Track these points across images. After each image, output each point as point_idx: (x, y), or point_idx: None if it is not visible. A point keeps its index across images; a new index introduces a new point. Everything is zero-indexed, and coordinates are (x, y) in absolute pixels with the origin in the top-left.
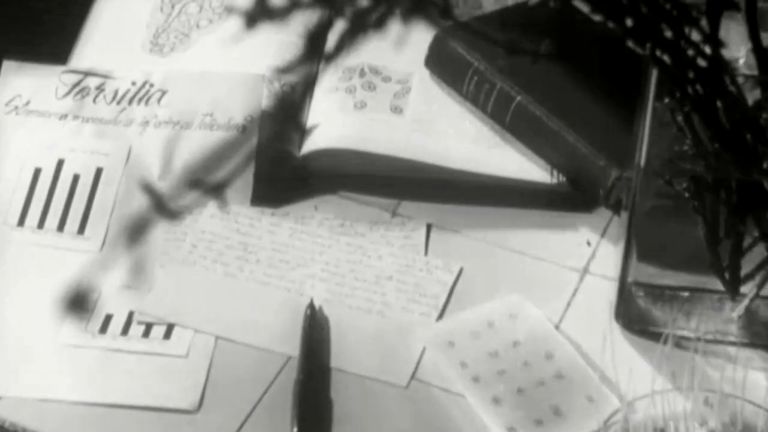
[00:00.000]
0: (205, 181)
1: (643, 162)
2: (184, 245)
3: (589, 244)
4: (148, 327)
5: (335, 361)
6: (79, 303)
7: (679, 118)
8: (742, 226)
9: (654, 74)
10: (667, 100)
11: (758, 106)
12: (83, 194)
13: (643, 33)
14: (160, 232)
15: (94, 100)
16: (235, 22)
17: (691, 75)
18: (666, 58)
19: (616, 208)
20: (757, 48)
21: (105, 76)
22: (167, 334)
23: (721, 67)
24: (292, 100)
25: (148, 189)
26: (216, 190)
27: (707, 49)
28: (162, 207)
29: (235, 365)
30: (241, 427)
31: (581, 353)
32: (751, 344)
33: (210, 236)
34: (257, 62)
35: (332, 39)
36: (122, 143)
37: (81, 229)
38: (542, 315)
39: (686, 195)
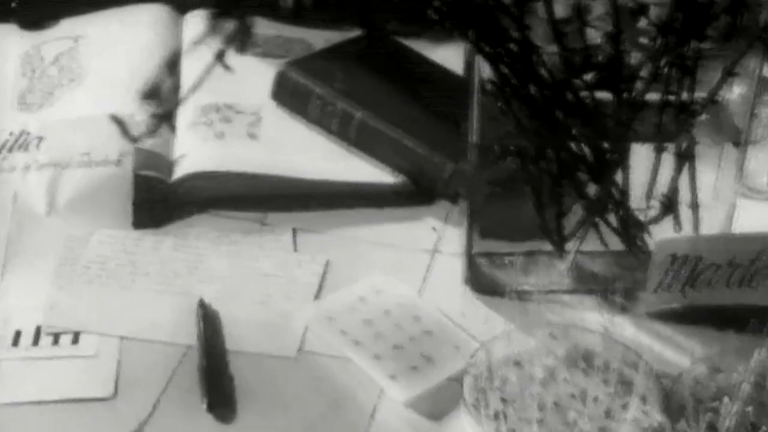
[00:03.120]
0: (157, 112)
1: (475, 151)
2: (77, 268)
3: (435, 229)
4: (56, 336)
5: (230, 345)
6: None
7: (501, 103)
8: (562, 190)
9: (477, 69)
10: (489, 87)
11: (563, 83)
12: None
13: (466, 24)
14: (53, 259)
15: None
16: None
17: (507, 59)
18: (486, 47)
19: (454, 198)
20: (553, 27)
21: None
22: (75, 340)
23: (530, 49)
24: (158, 135)
25: (116, 120)
26: (167, 117)
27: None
28: (126, 132)
29: (143, 357)
30: (155, 407)
31: (443, 314)
32: (581, 291)
33: (101, 258)
34: (121, 108)
35: (186, 82)
36: (7, 188)
37: None
38: (406, 288)
39: (514, 168)
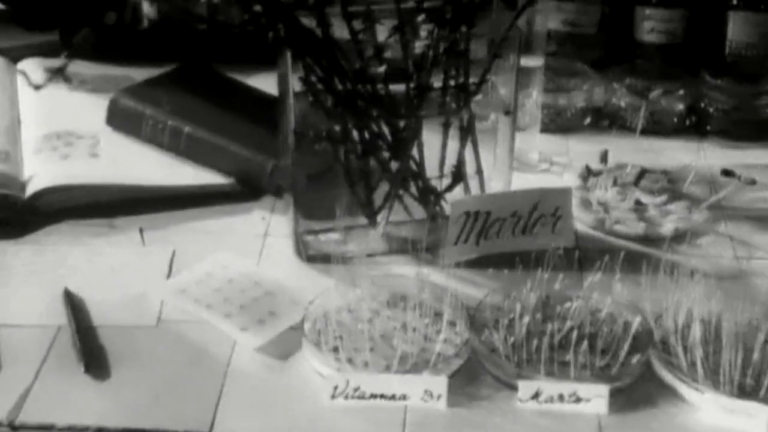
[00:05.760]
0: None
1: (293, 140)
2: None
3: (264, 218)
4: None
5: (98, 322)
6: None
7: (310, 95)
8: (368, 168)
9: (289, 67)
10: (300, 84)
11: (360, 75)
12: None
13: (276, 24)
14: None
15: None
16: None
17: (313, 55)
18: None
19: (278, 192)
20: (348, 26)
21: None
22: None
23: (331, 45)
24: (8, 161)
25: (21, 72)
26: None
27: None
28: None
29: (20, 338)
30: (37, 374)
31: (280, 279)
32: (395, 252)
33: None
34: None
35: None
36: None
37: None
38: (246, 261)
39: (326, 152)
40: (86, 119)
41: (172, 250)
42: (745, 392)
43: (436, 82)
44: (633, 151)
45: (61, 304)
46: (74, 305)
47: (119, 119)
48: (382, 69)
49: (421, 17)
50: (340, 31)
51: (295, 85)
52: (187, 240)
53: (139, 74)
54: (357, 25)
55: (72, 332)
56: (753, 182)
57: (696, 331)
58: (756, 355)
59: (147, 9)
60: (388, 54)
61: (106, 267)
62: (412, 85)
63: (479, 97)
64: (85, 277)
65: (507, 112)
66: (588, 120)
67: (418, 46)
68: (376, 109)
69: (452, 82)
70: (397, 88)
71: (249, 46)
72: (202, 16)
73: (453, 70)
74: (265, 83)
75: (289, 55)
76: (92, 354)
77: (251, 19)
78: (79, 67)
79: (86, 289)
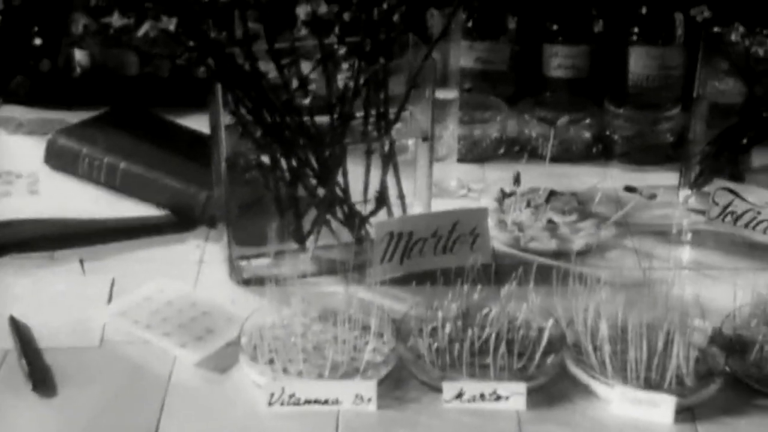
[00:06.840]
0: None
1: (225, 169)
2: None
3: (198, 246)
4: None
5: (43, 345)
6: None
7: (240, 126)
8: (296, 194)
9: (219, 99)
10: (230, 113)
11: (287, 106)
12: None
13: (206, 58)
14: None
15: None
16: None
17: (242, 88)
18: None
19: (211, 223)
20: (274, 61)
21: None
22: None
23: (259, 78)
24: None
25: None
26: None
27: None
28: None
29: None
30: None
31: (215, 299)
32: (325, 273)
33: None
34: None
35: None
36: None
37: None
38: (183, 285)
39: (257, 181)
40: (24, 159)
41: (111, 278)
42: (650, 385)
43: (358, 112)
44: (545, 177)
45: (7, 330)
46: (20, 330)
47: (57, 158)
48: (307, 101)
49: (342, 51)
50: (266, 64)
51: (226, 118)
52: (126, 269)
53: (74, 118)
54: (283, 60)
55: (18, 355)
56: (653, 196)
57: (604, 332)
58: (659, 352)
59: (80, 56)
60: (312, 86)
61: (49, 295)
62: (335, 115)
63: (399, 125)
64: (29, 304)
65: (425, 138)
66: (502, 149)
67: (341, 79)
68: (302, 139)
69: (373, 112)
70: (322, 118)
71: (178, 89)
72: (142, 47)
73: (373, 101)
74: (196, 123)
75: (219, 88)
76: (39, 374)
77: (183, 52)
78: (15, 112)
79: (31, 316)
